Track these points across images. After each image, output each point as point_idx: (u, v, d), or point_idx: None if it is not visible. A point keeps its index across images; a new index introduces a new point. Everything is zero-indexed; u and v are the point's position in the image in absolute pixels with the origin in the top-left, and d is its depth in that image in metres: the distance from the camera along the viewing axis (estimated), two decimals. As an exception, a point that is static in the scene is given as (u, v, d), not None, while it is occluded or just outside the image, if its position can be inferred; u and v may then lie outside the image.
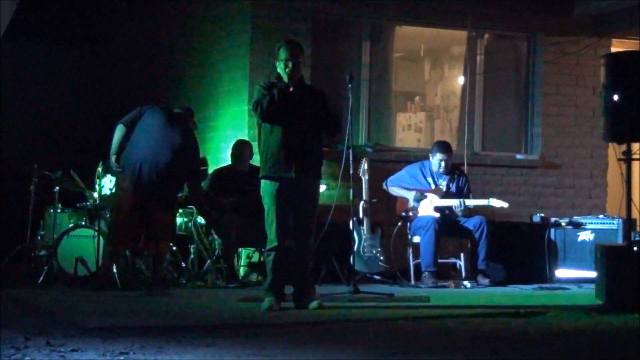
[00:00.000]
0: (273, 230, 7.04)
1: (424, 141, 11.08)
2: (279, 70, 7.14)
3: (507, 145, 11.23)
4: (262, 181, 7.16)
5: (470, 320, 6.61)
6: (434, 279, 9.22)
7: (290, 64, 7.06)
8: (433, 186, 9.61)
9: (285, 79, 7.08)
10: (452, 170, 9.72)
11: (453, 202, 9.43)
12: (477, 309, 7.29)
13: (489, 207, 9.85)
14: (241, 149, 9.44)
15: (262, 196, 7.15)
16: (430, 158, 9.66)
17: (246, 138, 9.75)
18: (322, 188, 7.99)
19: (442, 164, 9.57)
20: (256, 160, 9.57)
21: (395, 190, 9.67)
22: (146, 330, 5.78)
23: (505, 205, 9.51)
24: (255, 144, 9.73)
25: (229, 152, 9.55)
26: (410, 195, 9.54)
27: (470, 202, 9.50)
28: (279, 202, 7.05)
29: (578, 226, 9.80)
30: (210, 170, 9.95)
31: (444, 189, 9.59)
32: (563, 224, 9.82)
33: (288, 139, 7.04)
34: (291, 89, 7.04)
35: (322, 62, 10.22)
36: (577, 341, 5.76)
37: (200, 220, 9.23)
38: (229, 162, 9.60)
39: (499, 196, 9.78)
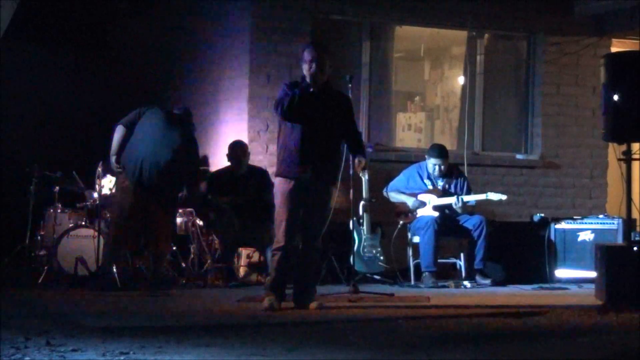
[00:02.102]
0: (282, 230, 7.00)
1: (424, 141, 11.08)
2: (303, 71, 7.11)
3: (507, 145, 11.22)
4: (276, 179, 7.14)
5: (470, 320, 6.60)
6: (434, 279, 9.22)
7: (313, 65, 7.02)
8: (431, 187, 9.61)
9: (308, 79, 7.06)
10: (450, 171, 9.72)
11: (451, 200, 9.44)
12: (477, 309, 7.29)
13: (489, 206, 9.86)
14: (237, 150, 9.42)
15: (274, 194, 7.12)
16: (426, 161, 9.66)
17: (245, 139, 9.74)
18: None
19: (437, 168, 9.57)
20: (256, 161, 9.61)
21: (394, 197, 9.66)
22: (146, 330, 5.78)
23: (504, 197, 9.50)
24: (255, 144, 9.79)
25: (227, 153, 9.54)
26: (410, 201, 9.53)
27: (468, 198, 9.50)
28: (291, 202, 7.00)
29: (578, 226, 9.80)
30: (211, 171, 9.95)
31: (442, 189, 9.59)
32: (563, 224, 9.82)
33: (307, 139, 6.98)
34: (312, 90, 7.03)
35: (322, 62, 10.20)
36: (577, 341, 5.75)
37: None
38: (228, 162, 9.58)
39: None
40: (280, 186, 7.08)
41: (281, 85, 7.27)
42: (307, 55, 7.07)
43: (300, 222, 7.04)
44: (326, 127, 7.05)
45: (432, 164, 9.59)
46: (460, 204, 9.39)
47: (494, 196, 9.48)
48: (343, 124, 7.15)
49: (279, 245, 7.03)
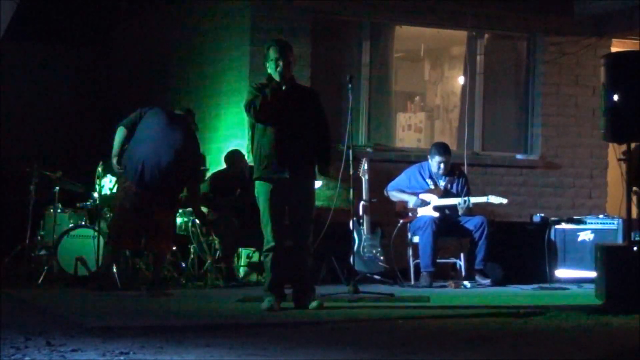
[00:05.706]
0: (269, 231, 7.04)
1: (424, 141, 11.09)
2: (269, 70, 7.11)
3: (507, 145, 11.23)
4: (256, 182, 7.15)
5: (470, 320, 6.61)
6: (430, 279, 9.21)
7: (281, 63, 7.04)
8: (432, 186, 9.60)
9: (277, 78, 7.06)
10: (452, 170, 9.71)
11: (455, 201, 9.44)
12: (477, 309, 7.29)
13: (488, 206, 9.85)
14: (234, 160, 9.44)
15: (257, 197, 7.15)
16: (429, 160, 9.65)
17: (245, 139, 9.74)
18: (317, 184, 7.95)
19: (442, 166, 9.56)
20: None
21: (395, 195, 9.66)
22: (146, 330, 5.78)
23: (505, 201, 9.50)
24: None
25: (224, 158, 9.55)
26: (411, 200, 9.52)
27: (472, 200, 9.49)
28: (273, 203, 7.04)
29: (578, 226, 9.79)
30: (210, 171, 9.95)
31: (443, 189, 9.59)
32: (563, 224, 9.82)
33: (281, 139, 7.02)
34: (284, 88, 7.03)
35: (322, 62, 10.23)
36: (577, 341, 5.76)
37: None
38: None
39: (499, 196, 9.77)
40: (260, 189, 7.11)
41: (248, 88, 7.28)
42: (272, 54, 7.08)
43: (287, 222, 7.06)
44: (298, 124, 7.07)
45: (436, 162, 9.57)
46: (464, 206, 9.37)
47: (494, 199, 9.48)
48: (313, 119, 7.15)
49: (269, 246, 7.06)
